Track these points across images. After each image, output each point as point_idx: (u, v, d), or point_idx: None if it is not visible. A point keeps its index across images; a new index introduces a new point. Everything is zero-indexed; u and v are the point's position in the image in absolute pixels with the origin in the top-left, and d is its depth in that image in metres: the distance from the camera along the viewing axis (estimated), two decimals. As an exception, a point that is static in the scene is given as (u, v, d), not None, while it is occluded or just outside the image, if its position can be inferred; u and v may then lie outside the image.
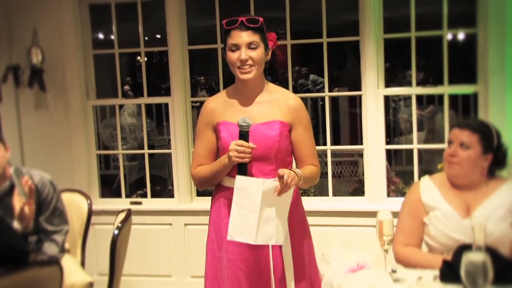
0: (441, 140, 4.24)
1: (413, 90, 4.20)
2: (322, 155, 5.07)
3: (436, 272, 2.17)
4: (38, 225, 3.20)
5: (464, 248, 2.05)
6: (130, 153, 7.15)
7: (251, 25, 2.45)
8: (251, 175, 2.42)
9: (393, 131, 7.51)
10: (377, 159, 4.11)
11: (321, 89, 8.12)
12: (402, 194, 4.58)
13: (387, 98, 4.33)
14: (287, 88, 3.27)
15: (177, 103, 4.40)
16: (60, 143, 4.57)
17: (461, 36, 6.07)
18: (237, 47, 2.46)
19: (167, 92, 4.62)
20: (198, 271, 2.65)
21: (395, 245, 2.50)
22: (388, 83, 4.32)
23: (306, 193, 4.61)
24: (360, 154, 5.12)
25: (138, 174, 7.01)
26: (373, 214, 2.59)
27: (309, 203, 4.09)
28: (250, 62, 2.45)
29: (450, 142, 2.55)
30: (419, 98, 6.28)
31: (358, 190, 5.12)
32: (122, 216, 3.32)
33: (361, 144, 4.23)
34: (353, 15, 4.44)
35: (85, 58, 4.57)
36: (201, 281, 2.65)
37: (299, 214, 2.61)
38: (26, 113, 4.61)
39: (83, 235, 3.59)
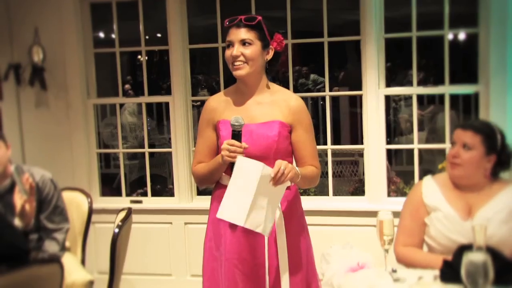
0: (442, 140, 4.24)
1: (414, 90, 4.20)
2: (322, 155, 5.07)
3: (437, 272, 2.16)
4: (39, 223, 3.21)
5: (464, 248, 2.05)
6: (131, 152, 7.15)
7: (247, 23, 2.46)
8: None
9: (394, 131, 7.51)
10: (377, 159, 4.10)
11: (322, 89, 8.12)
12: (403, 194, 4.59)
13: (387, 98, 4.33)
14: (287, 87, 3.26)
15: (178, 102, 4.40)
16: (61, 142, 4.57)
17: (462, 36, 6.07)
18: (231, 44, 2.48)
19: (167, 91, 4.62)
20: (198, 270, 2.65)
21: (396, 245, 2.50)
22: (389, 83, 4.32)
23: (306, 192, 4.61)
24: (361, 154, 5.12)
25: (139, 173, 7.01)
26: (373, 213, 2.59)
27: (309, 202, 4.11)
28: (242, 58, 2.46)
29: (453, 143, 2.53)
30: (420, 98, 6.29)
31: (359, 189, 5.13)
32: (122, 214, 3.32)
33: (362, 143, 4.23)
34: (354, 14, 4.44)
35: (86, 56, 4.57)
36: (201, 280, 2.65)
37: (298, 215, 2.59)
38: (27, 111, 4.61)
39: (83, 234, 3.59)
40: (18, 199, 3.04)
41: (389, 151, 4.68)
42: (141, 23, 4.53)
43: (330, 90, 4.61)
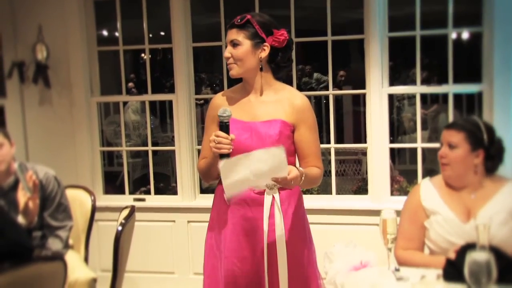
0: (445, 139, 4.23)
1: (418, 89, 4.20)
2: (325, 153, 5.07)
3: (440, 271, 2.16)
4: (42, 220, 3.21)
5: (468, 247, 2.05)
6: (134, 150, 7.16)
7: (237, 24, 2.49)
8: None
9: (397, 130, 7.50)
10: (380, 158, 4.10)
11: (325, 87, 8.11)
12: (406, 193, 4.58)
13: (391, 97, 4.33)
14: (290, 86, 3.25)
15: (181, 100, 4.40)
16: (64, 139, 4.58)
17: (466, 35, 6.06)
18: (227, 46, 2.53)
19: (171, 89, 4.62)
20: (201, 268, 2.65)
21: (396, 249, 2.49)
22: (392, 82, 4.31)
23: (309, 191, 4.61)
24: (364, 153, 5.12)
25: (142, 171, 7.01)
26: (376, 212, 2.59)
27: (312, 201, 4.11)
28: (231, 60, 2.51)
29: (441, 144, 2.54)
30: (423, 97, 6.28)
31: (362, 188, 5.12)
32: (125, 212, 3.33)
33: (365, 142, 4.23)
34: (357, 13, 4.43)
35: (89, 54, 4.58)
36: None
37: (299, 216, 2.58)
38: (30, 109, 4.62)
39: (86, 231, 3.60)
40: (22, 196, 3.05)
41: (392, 150, 4.68)
42: (145, 21, 4.53)
43: (334, 89, 4.60)
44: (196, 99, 4.68)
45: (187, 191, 4.46)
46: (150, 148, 4.75)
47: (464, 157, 2.46)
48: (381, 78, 4.05)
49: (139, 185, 6.39)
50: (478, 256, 1.79)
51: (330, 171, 4.30)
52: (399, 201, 3.50)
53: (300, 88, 7.64)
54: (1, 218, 2.69)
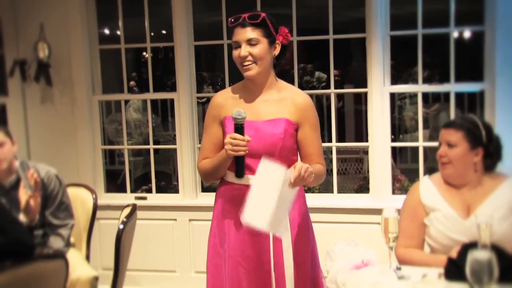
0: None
1: (419, 88, 4.19)
2: (327, 152, 5.07)
3: (441, 270, 2.16)
4: (44, 219, 3.22)
5: (469, 246, 2.05)
6: (135, 148, 7.16)
7: (251, 21, 2.45)
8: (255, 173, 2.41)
9: (399, 129, 7.49)
10: (382, 157, 4.10)
11: (326, 86, 8.10)
12: (407, 191, 4.57)
13: (392, 96, 4.32)
14: (292, 85, 3.25)
15: (183, 99, 4.40)
16: (66, 138, 4.59)
17: (467, 33, 6.04)
18: (238, 44, 2.47)
19: (172, 88, 4.62)
20: (202, 267, 2.66)
21: (396, 247, 2.49)
22: (394, 81, 4.31)
23: (311, 190, 4.61)
24: (365, 151, 5.12)
25: (143, 170, 7.02)
26: (377, 211, 2.59)
27: (314, 199, 4.11)
28: (250, 58, 2.45)
29: (440, 144, 2.54)
30: (425, 95, 6.28)
31: (363, 187, 5.12)
32: (127, 211, 3.33)
33: (367, 141, 4.23)
34: (359, 12, 4.43)
35: (91, 53, 4.58)
36: (205, 276, 2.65)
37: (302, 214, 2.59)
38: (32, 107, 4.62)
39: (88, 230, 3.61)
40: (23, 194, 3.05)
41: (393, 149, 4.68)
42: (147, 19, 4.53)
43: (335, 88, 4.59)
44: (198, 98, 4.68)
45: (189, 190, 4.46)
46: (151, 146, 4.75)
47: (463, 156, 2.46)
48: (382, 76, 4.05)
49: (141, 184, 6.39)
50: (480, 255, 1.79)
51: (331, 170, 4.30)
52: (401, 200, 3.49)
53: (301, 87, 7.64)
54: (2, 217, 2.69)
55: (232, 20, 2.50)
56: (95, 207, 3.62)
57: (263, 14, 2.48)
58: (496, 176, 2.52)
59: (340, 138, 7.26)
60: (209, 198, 4.27)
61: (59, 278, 2.49)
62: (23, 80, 4.56)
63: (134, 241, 3.51)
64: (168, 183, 6.46)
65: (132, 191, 4.98)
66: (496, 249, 1.94)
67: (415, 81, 4.51)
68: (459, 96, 5.41)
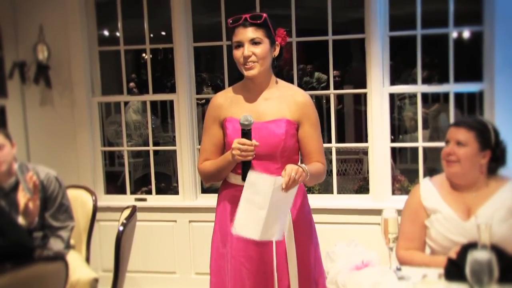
0: (446, 138, 4.23)
1: (419, 88, 4.20)
2: (327, 153, 5.05)
3: (441, 271, 2.16)
4: (44, 221, 3.21)
5: (469, 246, 2.05)
6: (135, 150, 7.16)
7: (254, 22, 2.46)
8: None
9: (398, 129, 7.49)
10: (382, 157, 4.10)
11: (326, 87, 8.10)
12: (407, 192, 4.58)
13: (392, 96, 4.32)
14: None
15: (182, 100, 4.40)
16: (66, 139, 4.58)
17: (467, 34, 6.04)
18: (240, 44, 2.47)
19: (172, 89, 4.62)
20: (203, 268, 2.66)
21: (397, 249, 2.49)
22: (394, 81, 4.31)
23: (311, 190, 4.61)
24: (365, 152, 5.12)
25: (143, 171, 7.02)
26: (377, 212, 2.59)
27: (313, 200, 4.07)
28: (253, 58, 2.46)
29: (447, 142, 2.54)
30: (424, 96, 6.27)
31: (363, 188, 5.12)
32: (127, 212, 3.33)
33: (366, 142, 4.23)
34: (358, 12, 4.43)
35: (90, 54, 4.58)
36: (206, 278, 2.66)
37: (305, 214, 2.60)
38: (32, 109, 4.62)
39: (88, 231, 3.60)
40: (22, 197, 3.04)
41: (393, 149, 4.68)
42: (146, 21, 4.53)
43: (335, 88, 4.59)
44: (197, 99, 4.68)
45: (188, 191, 4.46)
46: (151, 148, 4.75)
47: (472, 156, 2.46)
48: (382, 77, 4.05)
49: (141, 185, 6.39)
50: (480, 255, 1.79)
51: (331, 171, 4.31)
52: (400, 200, 3.51)
53: (301, 87, 7.62)
54: (2, 219, 2.69)
55: (232, 20, 2.51)
56: (95, 209, 3.61)
57: (264, 15, 2.49)
58: (498, 179, 2.52)
59: (340, 139, 7.25)
60: (209, 200, 4.28)
61: (59, 280, 2.49)
62: (23, 82, 4.56)
63: (134, 242, 3.51)
64: (168, 185, 6.46)
65: (132, 192, 4.98)
66: (496, 249, 1.94)
67: (414, 81, 4.51)
68: (459, 96, 5.43)
